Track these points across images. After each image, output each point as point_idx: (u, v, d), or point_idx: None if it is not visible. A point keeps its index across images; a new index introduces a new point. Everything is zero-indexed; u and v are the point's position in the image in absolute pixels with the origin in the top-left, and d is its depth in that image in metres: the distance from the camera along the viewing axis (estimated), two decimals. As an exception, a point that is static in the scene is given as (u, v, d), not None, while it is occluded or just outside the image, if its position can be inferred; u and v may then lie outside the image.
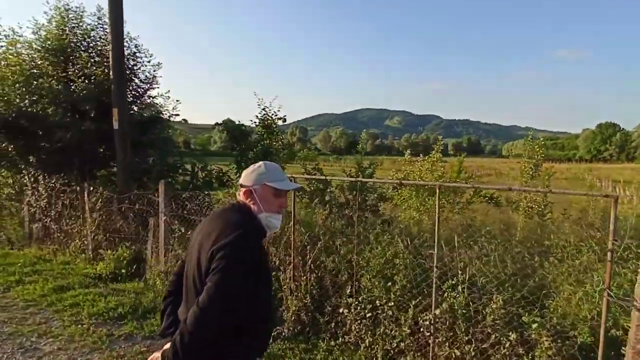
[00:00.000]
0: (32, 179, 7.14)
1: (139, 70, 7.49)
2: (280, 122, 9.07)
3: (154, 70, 7.62)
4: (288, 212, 4.48)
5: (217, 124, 8.35)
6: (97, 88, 6.66)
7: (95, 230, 6.54)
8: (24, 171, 7.11)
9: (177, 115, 7.92)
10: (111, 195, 6.37)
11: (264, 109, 9.03)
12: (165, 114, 7.76)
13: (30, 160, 7.06)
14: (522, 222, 10.03)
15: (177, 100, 7.79)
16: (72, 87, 6.73)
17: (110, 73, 6.50)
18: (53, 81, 6.39)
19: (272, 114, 8.98)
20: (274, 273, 4.35)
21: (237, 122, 8.71)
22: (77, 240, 6.92)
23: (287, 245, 4.55)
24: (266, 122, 8.96)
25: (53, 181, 7.14)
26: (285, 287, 4.36)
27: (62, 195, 6.98)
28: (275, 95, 9.10)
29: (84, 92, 6.52)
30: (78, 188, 6.78)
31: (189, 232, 5.47)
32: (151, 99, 7.69)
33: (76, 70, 6.60)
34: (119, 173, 6.68)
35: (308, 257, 4.33)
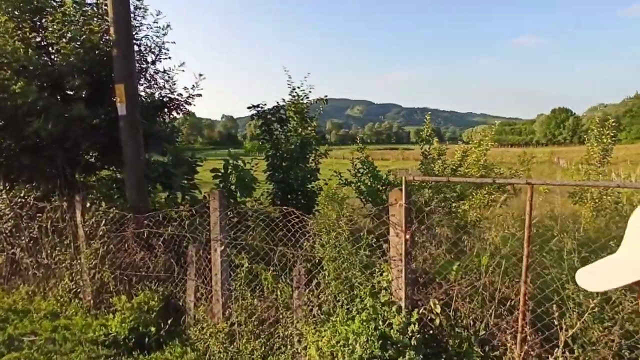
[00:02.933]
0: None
1: (141, 34, 5.29)
2: (320, 105, 7.17)
3: (163, 34, 5.45)
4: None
5: (253, 113, 6.30)
6: (88, 54, 4.43)
7: (98, 266, 4.41)
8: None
9: (200, 96, 5.79)
10: (123, 215, 4.26)
11: (294, 89, 7.09)
12: (180, 96, 5.64)
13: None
14: (590, 216, 8.83)
15: (200, 75, 5.66)
16: (53, 55, 4.49)
17: (111, 31, 4.31)
18: (19, 43, 4.10)
19: (303, 96, 7.06)
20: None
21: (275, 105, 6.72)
22: (67, 280, 4.75)
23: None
24: (297, 107, 7.02)
25: (22, 194, 4.88)
26: None
27: (39, 215, 4.74)
28: (307, 72, 7.18)
29: (70, 60, 4.28)
30: (65, 204, 4.58)
31: (262, 267, 3.60)
32: (159, 74, 5.54)
33: (55, 28, 4.30)
34: (130, 179, 4.54)
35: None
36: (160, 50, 5.50)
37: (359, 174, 7.48)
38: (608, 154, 8.71)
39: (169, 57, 5.63)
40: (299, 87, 7.14)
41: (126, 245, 4.34)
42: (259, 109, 6.56)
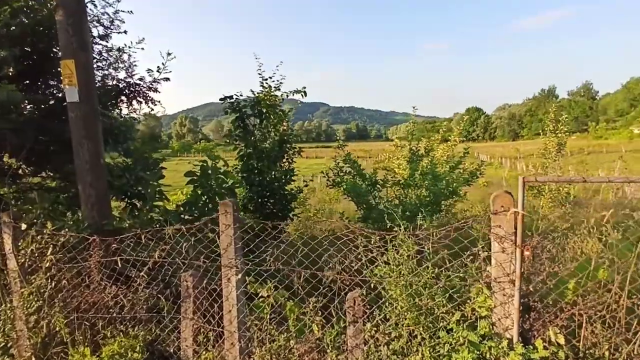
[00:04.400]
0: None
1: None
2: (298, 98, 6.39)
3: (114, 5, 4.09)
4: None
5: (227, 105, 5.23)
6: (17, 17, 3.08)
7: (44, 310, 3.19)
8: None
9: (167, 80, 4.54)
10: (82, 239, 3.10)
11: (265, 80, 6.24)
12: (142, 80, 4.35)
13: None
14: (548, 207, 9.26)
15: (169, 54, 4.41)
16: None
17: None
18: None
19: (274, 89, 6.25)
20: None
21: (258, 93, 5.73)
22: (-9, 332, 3.42)
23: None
24: (271, 99, 6.18)
25: None
26: None
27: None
28: (280, 61, 6.38)
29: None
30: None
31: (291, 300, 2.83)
32: (112, 53, 4.20)
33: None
34: (86, 191, 3.32)
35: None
36: (112, 22, 4.25)
37: (342, 173, 6.87)
38: (563, 147, 9.23)
39: (124, 32, 4.40)
40: (270, 78, 6.30)
41: (88, 279, 3.18)
42: (233, 100, 5.58)
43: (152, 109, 4.71)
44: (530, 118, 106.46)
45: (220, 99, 5.51)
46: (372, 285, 2.67)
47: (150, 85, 4.52)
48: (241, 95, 5.69)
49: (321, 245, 2.82)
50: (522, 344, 2.12)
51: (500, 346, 2.15)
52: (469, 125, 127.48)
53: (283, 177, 6.34)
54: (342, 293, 2.66)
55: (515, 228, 2.11)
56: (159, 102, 4.74)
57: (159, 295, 3.13)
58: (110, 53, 4.28)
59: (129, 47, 4.35)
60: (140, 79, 4.47)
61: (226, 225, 2.76)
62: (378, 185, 6.60)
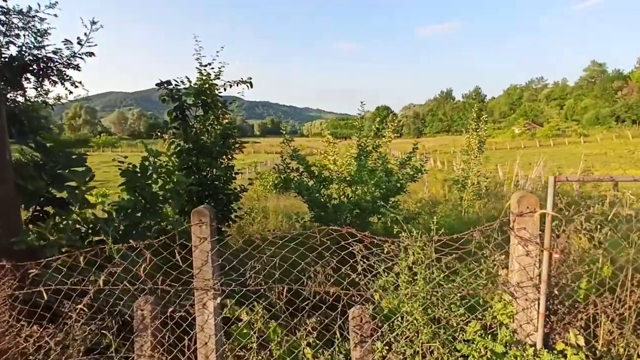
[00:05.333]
0: None
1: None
2: (243, 88, 5.80)
3: None
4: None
5: (163, 92, 4.35)
6: None
7: None
8: None
9: (92, 55, 3.48)
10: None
11: (204, 67, 5.55)
12: (58, 54, 3.31)
13: None
14: (470, 199, 10.01)
15: (94, 23, 3.35)
16: None
17: None
18: None
19: (214, 77, 5.61)
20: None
21: (199, 81, 4.94)
22: None
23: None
24: (212, 88, 5.52)
25: None
26: None
27: None
28: (221, 47, 5.73)
29: None
30: None
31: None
32: (11, 16, 3.09)
33: None
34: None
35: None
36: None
37: (289, 170, 6.48)
38: (483, 145, 10.04)
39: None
40: (209, 65, 5.61)
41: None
42: (172, 87, 4.79)
43: (71, 92, 3.73)
44: (431, 117, 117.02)
45: (157, 84, 4.69)
46: (370, 298, 2.40)
47: (69, 61, 3.55)
48: (182, 82, 4.93)
49: (303, 255, 2.45)
50: (546, 350, 2.04)
51: (525, 354, 2.04)
52: (379, 122, 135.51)
53: (224, 175, 5.72)
54: (332, 309, 2.33)
55: (542, 230, 2.01)
56: (80, 82, 3.80)
57: (103, 331, 2.44)
58: (8, 16, 3.23)
59: (37, 11, 3.33)
60: (55, 52, 3.47)
61: (201, 238, 2.22)
62: (326, 183, 6.36)
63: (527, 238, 2.03)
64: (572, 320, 2.10)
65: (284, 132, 6.85)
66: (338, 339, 2.27)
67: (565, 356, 2.00)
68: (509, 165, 18.83)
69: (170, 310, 2.35)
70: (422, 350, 2.16)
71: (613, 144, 41.90)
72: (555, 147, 46.06)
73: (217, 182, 5.63)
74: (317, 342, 2.39)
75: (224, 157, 5.75)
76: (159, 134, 5.48)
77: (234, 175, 6.07)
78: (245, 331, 2.39)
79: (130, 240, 2.38)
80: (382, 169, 6.15)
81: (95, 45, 3.56)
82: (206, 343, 2.31)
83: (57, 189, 3.22)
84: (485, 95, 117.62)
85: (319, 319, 2.47)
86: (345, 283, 2.29)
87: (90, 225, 3.11)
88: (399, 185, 6.19)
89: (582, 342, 2.07)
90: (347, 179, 6.41)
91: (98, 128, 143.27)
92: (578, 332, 2.08)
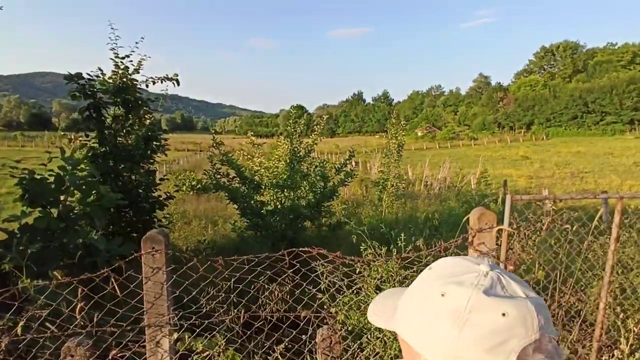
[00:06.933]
0: None
1: None
2: (168, 86, 5.31)
3: None
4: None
5: (74, 88, 3.61)
6: None
7: None
8: None
9: None
10: None
11: (122, 59, 4.96)
12: None
13: None
14: (389, 201, 10.60)
15: None
16: None
17: None
18: None
19: (134, 71, 5.06)
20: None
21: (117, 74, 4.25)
22: None
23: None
24: (131, 87, 4.95)
25: None
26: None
27: None
28: (140, 37, 5.17)
29: None
30: None
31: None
32: None
33: None
34: None
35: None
36: None
37: (218, 175, 6.10)
38: (402, 148, 10.72)
39: None
40: (127, 57, 5.02)
41: None
42: (84, 81, 4.12)
43: None
44: (344, 118, 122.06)
45: (66, 78, 4.00)
46: (333, 316, 2.36)
47: None
48: (97, 76, 4.28)
49: (260, 275, 2.31)
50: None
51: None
52: (293, 121, 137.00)
53: (146, 180, 5.17)
54: (293, 327, 2.25)
55: (499, 244, 2.17)
56: None
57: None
58: None
59: None
60: None
61: (154, 268, 1.94)
62: (259, 189, 6.16)
63: (485, 252, 2.18)
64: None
65: (213, 133, 6.45)
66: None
67: None
68: (419, 166, 20.48)
69: (113, 353, 2.00)
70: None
71: (496, 147, 48.57)
72: (452, 148, 51.58)
73: (139, 189, 5.07)
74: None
75: (146, 161, 5.20)
76: (63, 133, 4.71)
77: (157, 180, 5.54)
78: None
79: (56, 267, 1.98)
80: (318, 173, 6.16)
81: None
82: (161, 386, 2.03)
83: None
84: (393, 99, 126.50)
85: (282, 339, 2.36)
86: (316, 304, 2.22)
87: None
88: (331, 189, 6.28)
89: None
90: (280, 184, 6.28)
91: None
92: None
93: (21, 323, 1.86)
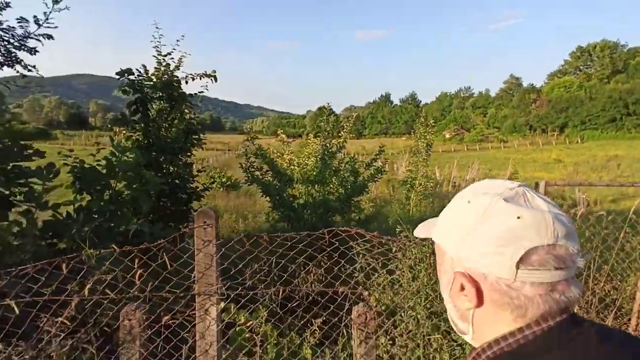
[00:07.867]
0: None
1: None
2: (207, 82, 5.56)
3: None
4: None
5: (125, 83, 3.90)
6: None
7: None
8: None
9: (50, 38, 2.97)
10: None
11: (164, 57, 5.25)
12: (9, 33, 2.75)
13: None
14: (417, 199, 10.57)
15: (56, 1, 2.84)
16: None
17: None
18: None
19: (175, 68, 5.33)
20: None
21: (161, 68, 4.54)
22: None
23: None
24: (175, 83, 5.22)
25: None
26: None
27: None
28: (182, 35, 5.45)
29: None
30: None
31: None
32: None
33: None
34: None
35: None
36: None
37: (253, 168, 6.31)
38: (430, 148, 10.66)
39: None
40: (169, 54, 5.31)
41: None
42: (135, 77, 4.43)
43: (24, 75, 3.24)
44: (371, 119, 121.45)
45: (118, 73, 4.30)
46: (367, 296, 2.46)
47: (22, 42, 3.07)
48: (146, 72, 4.58)
49: (300, 253, 2.45)
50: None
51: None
52: (327, 122, 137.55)
53: (184, 172, 5.45)
54: (324, 309, 2.36)
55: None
56: (34, 67, 3.32)
57: (84, 345, 2.21)
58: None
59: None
60: (6, 30, 2.97)
61: (205, 241, 2.12)
62: (291, 183, 6.33)
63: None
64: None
65: (249, 130, 6.68)
66: (344, 337, 2.30)
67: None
68: (447, 167, 20.19)
69: (166, 318, 2.20)
70: (423, 342, 2.27)
71: (527, 150, 46.99)
72: (481, 151, 50.32)
73: (177, 180, 5.35)
74: (323, 340, 2.40)
75: (185, 154, 5.47)
76: (109, 126, 5.05)
77: (195, 172, 5.83)
78: (247, 335, 2.32)
79: (110, 245, 2.19)
80: (349, 169, 6.27)
81: (56, 27, 3.15)
82: (207, 351, 2.20)
83: (5, 188, 2.82)
84: (420, 101, 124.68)
85: (319, 314, 2.48)
86: (352, 282, 2.33)
87: (54, 229, 2.79)
88: (361, 185, 6.36)
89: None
90: (311, 179, 6.43)
91: (6, 116, 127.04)
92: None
93: (88, 286, 2.08)
